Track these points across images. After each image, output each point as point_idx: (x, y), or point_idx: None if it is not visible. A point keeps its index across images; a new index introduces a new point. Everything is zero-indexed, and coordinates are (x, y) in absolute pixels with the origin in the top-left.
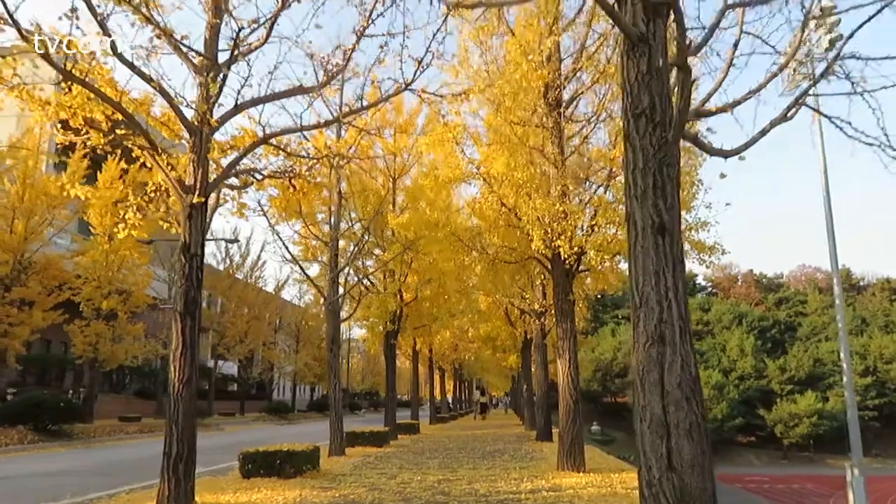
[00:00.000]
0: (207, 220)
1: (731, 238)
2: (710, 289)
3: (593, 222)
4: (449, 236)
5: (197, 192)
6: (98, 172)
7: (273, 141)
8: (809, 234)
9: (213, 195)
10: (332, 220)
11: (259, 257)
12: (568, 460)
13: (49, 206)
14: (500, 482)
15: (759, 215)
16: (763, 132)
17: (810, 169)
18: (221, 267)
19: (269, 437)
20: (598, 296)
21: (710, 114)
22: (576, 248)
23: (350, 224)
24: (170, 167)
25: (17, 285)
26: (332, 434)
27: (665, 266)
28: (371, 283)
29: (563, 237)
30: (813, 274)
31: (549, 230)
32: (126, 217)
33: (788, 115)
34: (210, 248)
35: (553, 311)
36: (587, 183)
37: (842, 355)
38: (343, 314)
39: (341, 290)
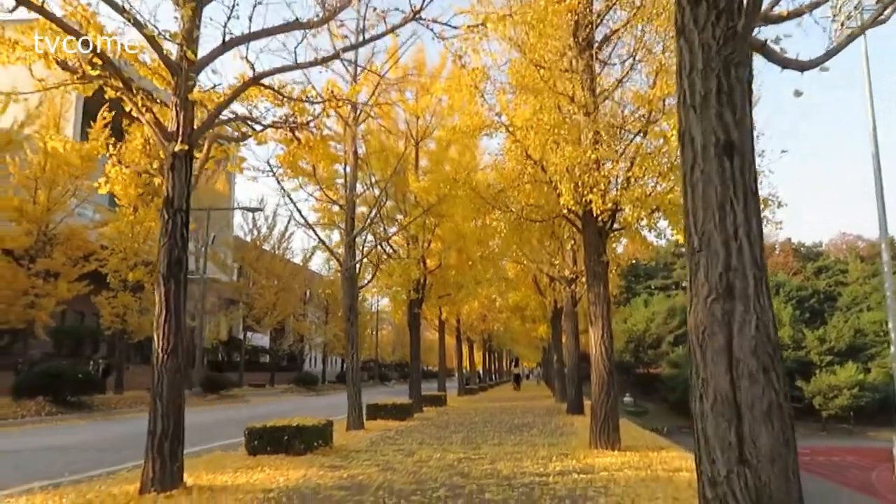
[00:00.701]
0: (196, 172)
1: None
2: None
3: (629, 174)
4: (469, 193)
5: (180, 140)
6: (122, 143)
7: (273, 84)
8: (851, 201)
9: (204, 146)
10: (348, 181)
11: (286, 228)
12: (601, 437)
13: (71, 176)
14: (526, 461)
15: (797, 181)
16: (851, 37)
17: (848, 132)
18: (249, 238)
19: (294, 409)
20: (632, 262)
21: (779, 19)
22: (609, 204)
23: (369, 187)
24: (145, 108)
25: (42, 256)
26: (350, 407)
27: (733, 196)
28: (393, 249)
29: (595, 190)
30: (854, 242)
31: (580, 183)
32: (106, 171)
33: (883, 14)
34: (237, 218)
35: (584, 276)
36: (622, 133)
37: (889, 324)
38: (364, 281)
39: (359, 255)
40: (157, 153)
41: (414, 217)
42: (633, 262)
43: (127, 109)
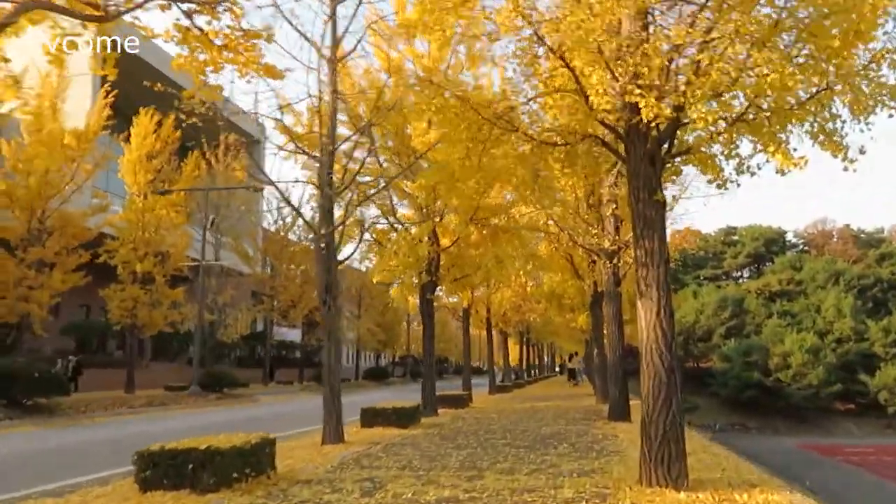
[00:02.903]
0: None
1: (824, 190)
2: (801, 246)
3: (700, 56)
4: (462, 108)
5: None
6: (129, 126)
7: None
8: None
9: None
10: (325, 125)
11: (314, 218)
12: (658, 468)
13: (67, 158)
14: None
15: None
16: None
17: None
18: (273, 228)
19: (293, 410)
20: (681, 252)
21: None
22: (666, 109)
23: (360, 135)
24: None
25: (38, 245)
26: (327, 414)
27: None
28: (400, 223)
29: (644, 81)
30: None
31: (618, 72)
32: None
33: None
34: (263, 207)
35: (628, 247)
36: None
37: None
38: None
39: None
40: (170, 138)
41: (409, 164)
42: (682, 251)
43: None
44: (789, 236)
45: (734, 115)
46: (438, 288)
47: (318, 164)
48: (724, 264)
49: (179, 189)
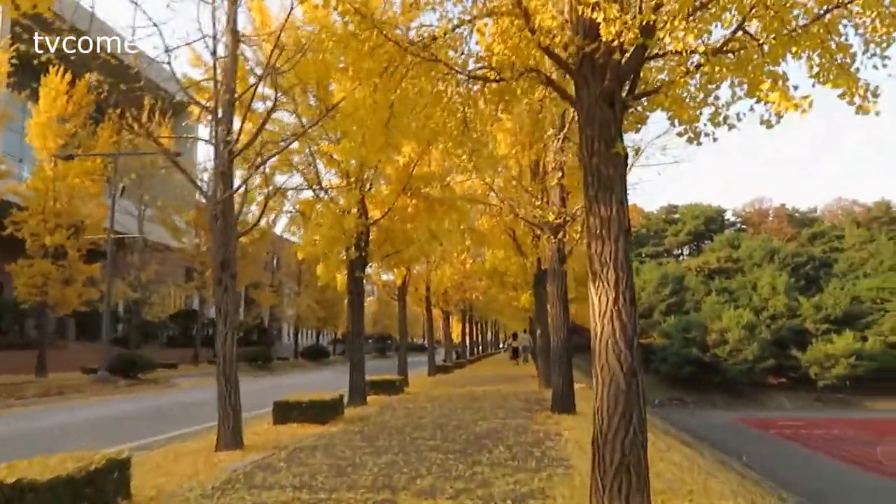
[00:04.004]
0: None
1: (761, 170)
2: (739, 224)
3: None
4: (370, 34)
5: None
6: (37, 84)
7: None
8: (846, 165)
9: None
10: (222, 74)
11: (246, 187)
12: (613, 502)
13: None
14: None
15: (790, 143)
16: None
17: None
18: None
19: (204, 400)
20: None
21: None
22: (633, 30)
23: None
24: None
25: None
26: (222, 414)
27: None
28: (322, 189)
29: None
30: (850, 207)
31: None
32: None
33: None
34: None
35: (576, 218)
36: None
37: None
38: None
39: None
40: (85, 100)
41: (321, 116)
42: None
43: None
44: (728, 215)
45: (717, 44)
46: (369, 265)
47: (210, 118)
48: (666, 242)
49: (85, 154)
